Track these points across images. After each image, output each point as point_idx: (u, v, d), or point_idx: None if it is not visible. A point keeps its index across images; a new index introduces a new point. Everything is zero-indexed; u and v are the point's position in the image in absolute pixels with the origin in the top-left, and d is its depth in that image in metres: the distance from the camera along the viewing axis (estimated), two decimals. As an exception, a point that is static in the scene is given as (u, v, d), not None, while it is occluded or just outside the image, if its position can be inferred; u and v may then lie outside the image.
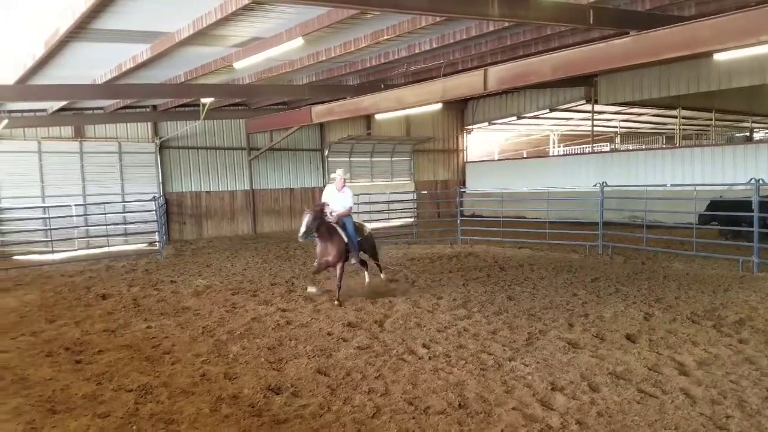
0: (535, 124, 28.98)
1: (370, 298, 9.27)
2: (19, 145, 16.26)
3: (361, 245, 9.77)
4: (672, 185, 14.84)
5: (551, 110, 23.81)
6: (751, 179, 10.98)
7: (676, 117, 24.91)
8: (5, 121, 14.46)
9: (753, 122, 31.04)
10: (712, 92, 19.78)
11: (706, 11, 9.78)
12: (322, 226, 9.10)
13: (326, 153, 22.37)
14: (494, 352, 6.40)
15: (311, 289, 9.11)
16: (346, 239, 9.30)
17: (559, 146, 35.02)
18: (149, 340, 7.21)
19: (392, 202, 19.81)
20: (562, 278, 10.66)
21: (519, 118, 25.10)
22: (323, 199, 9.65)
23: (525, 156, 34.07)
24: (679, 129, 26.41)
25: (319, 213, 9.08)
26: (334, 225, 9.30)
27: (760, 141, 26.65)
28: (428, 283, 10.48)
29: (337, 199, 9.59)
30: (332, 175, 10.21)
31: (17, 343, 7.21)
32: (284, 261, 13.74)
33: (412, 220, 19.47)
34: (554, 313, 8.06)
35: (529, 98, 23.92)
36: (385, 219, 19.98)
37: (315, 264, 9.54)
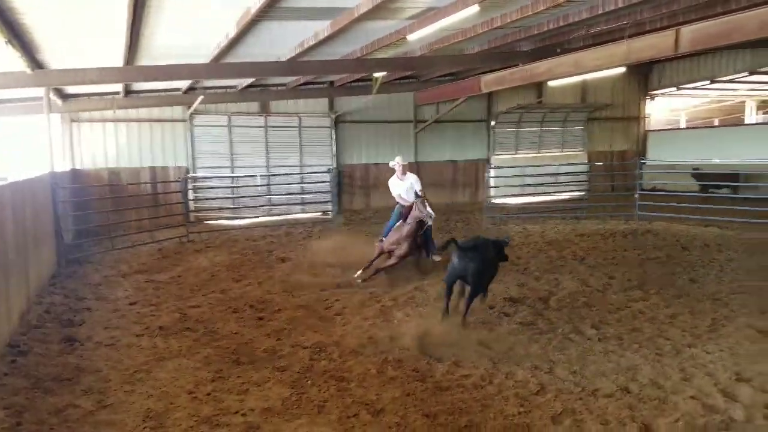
0: (731, 89, 25.56)
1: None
2: (211, 120, 18.01)
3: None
4: None
5: (751, 73, 20.87)
6: None
7: None
8: (201, 98, 16.05)
9: None
10: None
11: None
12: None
13: (493, 123, 21.96)
14: (672, 337, 5.98)
15: (360, 273, 8.98)
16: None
17: (757, 114, 30.70)
18: (322, 302, 7.79)
19: (561, 174, 18.95)
20: (756, 261, 9.48)
21: (712, 82, 22.38)
22: (393, 191, 9.66)
23: (716, 124, 30.48)
24: None
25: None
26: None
27: None
28: (599, 261, 9.95)
29: (404, 187, 9.54)
30: (391, 164, 10.07)
31: (208, 299, 8.13)
32: (445, 233, 13.88)
33: (582, 193, 18.48)
34: (744, 299, 7.29)
35: (725, 60, 21.17)
36: (552, 192, 19.20)
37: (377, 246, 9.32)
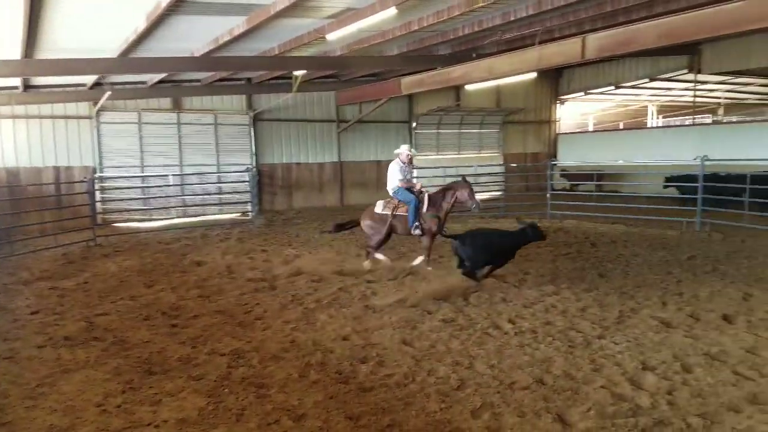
0: (633, 95, 27.36)
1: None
2: (120, 116, 17.17)
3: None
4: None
5: (651, 80, 22.43)
6: None
7: (786, 87, 22.89)
8: (108, 93, 15.27)
9: None
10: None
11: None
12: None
13: (414, 125, 22.29)
14: (583, 329, 6.26)
15: (418, 261, 9.57)
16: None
17: (657, 118, 32.99)
18: (241, 307, 7.57)
19: (480, 175, 19.49)
20: (657, 256, 10.16)
21: (616, 87, 23.83)
22: (399, 176, 9.78)
23: (621, 128, 32.43)
24: (790, 100, 24.25)
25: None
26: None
27: None
28: (515, 257, 10.28)
29: (404, 173, 9.88)
30: (396, 151, 10.27)
31: (117, 306, 7.72)
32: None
33: (499, 193, 19.11)
34: (647, 292, 7.75)
35: (627, 67, 22.62)
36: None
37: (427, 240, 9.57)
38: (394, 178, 9.89)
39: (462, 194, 9.42)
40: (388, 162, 21.59)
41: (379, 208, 9.95)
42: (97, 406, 4.67)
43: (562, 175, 21.24)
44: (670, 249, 10.75)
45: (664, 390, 4.69)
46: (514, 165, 21.66)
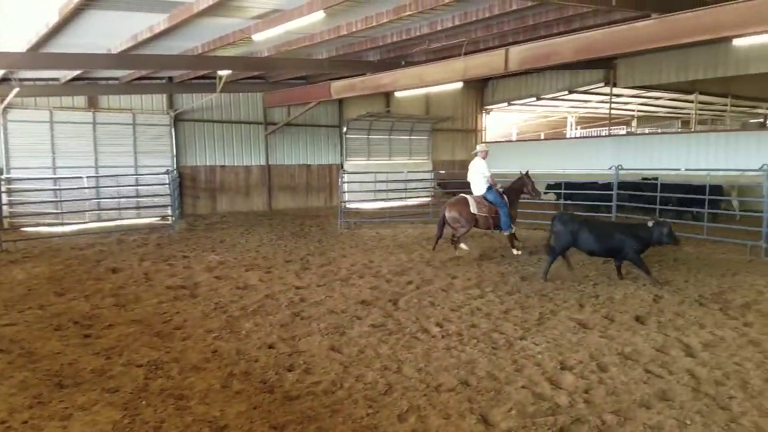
0: (554, 106, 28.65)
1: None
2: (30, 115, 16.16)
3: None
4: (686, 170, 14.70)
5: (570, 92, 23.55)
6: (763, 165, 10.90)
7: (692, 102, 24.68)
8: (16, 90, 14.37)
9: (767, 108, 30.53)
10: (728, 78, 19.57)
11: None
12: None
13: (344, 130, 22.28)
14: (506, 331, 6.43)
15: (463, 245, 10.97)
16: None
17: (576, 128, 34.64)
18: (160, 316, 7.26)
19: (410, 180, 19.75)
20: (575, 259, 10.57)
21: (538, 99, 24.84)
22: (486, 173, 10.91)
23: (542, 138, 33.78)
24: (696, 114, 26.14)
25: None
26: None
27: (774, 127, 26.20)
28: (443, 262, 10.47)
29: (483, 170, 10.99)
30: (474, 151, 11.42)
31: (25, 316, 7.23)
32: (299, 238, 13.79)
33: (429, 199, 19.40)
34: (565, 294, 8.08)
35: (548, 79, 23.65)
36: (403, 198, 19.96)
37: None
38: (480, 176, 10.94)
39: (527, 188, 11.05)
40: (318, 165, 21.64)
41: (473, 208, 10.83)
42: (1, 423, 4.33)
43: (438, 184, 20.88)
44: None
45: (581, 389, 4.87)
46: (443, 171, 22.08)
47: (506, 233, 10.93)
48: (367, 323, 6.76)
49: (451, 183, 19.96)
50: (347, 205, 17.21)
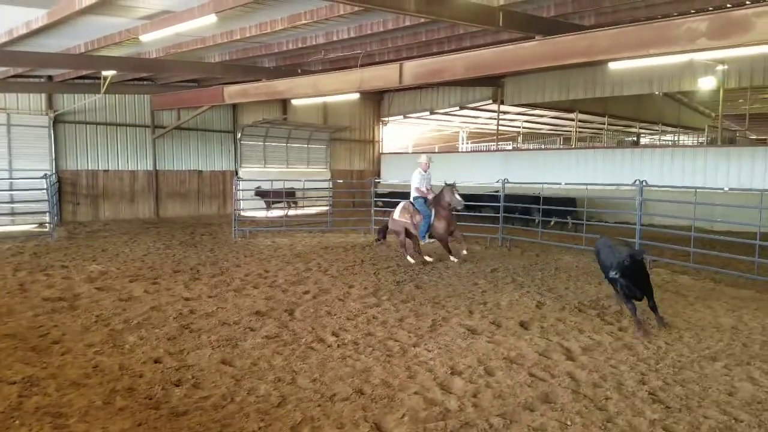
0: (447, 121, 29.74)
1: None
2: None
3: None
4: (567, 184, 15.82)
5: (461, 108, 24.51)
6: (635, 180, 11.81)
7: (573, 120, 26.61)
8: None
9: (640, 128, 33.52)
10: (605, 98, 21.54)
11: (603, 22, 10.42)
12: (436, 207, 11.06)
13: (239, 135, 21.76)
14: (400, 338, 6.55)
15: (429, 258, 11.20)
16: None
17: (467, 143, 36.18)
18: (36, 329, 6.72)
19: (308, 189, 19.62)
20: (466, 268, 11.03)
21: (432, 113, 25.65)
22: (415, 183, 11.43)
23: (436, 150, 34.88)
24: (576, 131, 28.22)
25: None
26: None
27: (645, 146, 28.84)
28: (341, 271, 10.50)
29: (423, 181, 11.52)
30: (419, 160, 11.80)
31: None
32: (189, 247, 13.26)
33: (327, 208, 19.41)
34: (456, 301, 8.35)
35: (441, 95, 24.49)
36: (301, 207, 19.83)
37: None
38: (413, 186, 11.48)
39: (447, 197, 11.05)
40: (211, 172, 21.18)
41: (397, 214, 11.49)
42: None
43: (257, 193, 19.26)
44: (476, 262, 11.74)
45: (470, 393, 5.05)
46: (341, 181, 22.17)
47: (421, 242, 11.48)
48: (261, 334, 6.64)
49: (271, 193, 19.32)
50: (242, 213, 16.79)
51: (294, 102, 20.29)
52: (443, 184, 11.32)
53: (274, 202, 19.91)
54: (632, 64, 10.23)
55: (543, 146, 35.00)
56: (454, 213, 11.34)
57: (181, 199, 20.61)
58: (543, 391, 5.11)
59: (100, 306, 7.82)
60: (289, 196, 19.53)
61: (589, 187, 14.37)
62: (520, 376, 5.43)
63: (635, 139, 34.74)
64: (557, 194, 17.06)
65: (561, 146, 35.07)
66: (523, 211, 17.16)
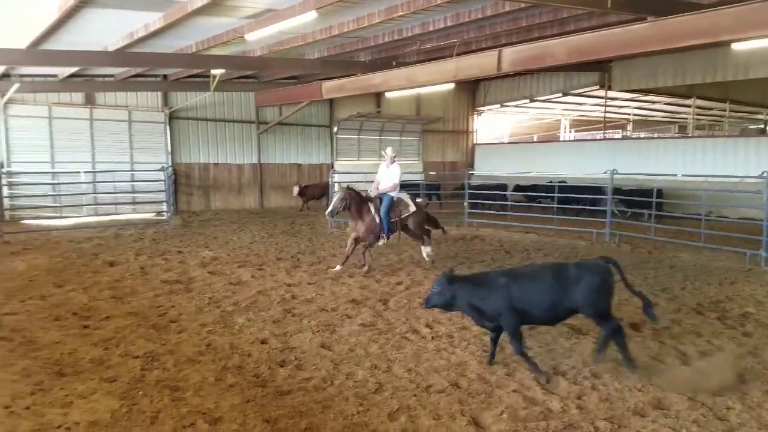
0: (547, 108, 28.65)
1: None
2: (29, 110, 16.32)
3: (405, 221, 10.13)
4: (683, 175, 14.74)
5: (564, 94, 23.54)
6: (763, 172, 10.84)
7: (689, 106, 24.62)
8: (16, 85, 14.46)
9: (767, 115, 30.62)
10: (727, 82, 19.48)
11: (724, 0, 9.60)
12: (352, 206, 9.54)
13: (335, 129, 22.29)
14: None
15: (338, 267, 9.60)
16: (378, 219, 9.67)
17: (570, 131, 34.70)
18: (156, 309, 7.31)
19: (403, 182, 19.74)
20: (568, 264, 10.63)
21: (531, 101, 24.84)
22: (377, 177, 10.24)
23: (535, 140, 33.78)
24: (693, 119, 26.06)
25: (348, 194, 9.48)
26: (369, 204, 9.72)
27: (774, 134, 26.27)
28: (434, 264, 10.49)
29: (386, 176, 10.15)
30: (383, 153, 10.63)
31: (26, 306, 7.31)
32: (290, 236, 13.81)
33: (419, 200, 19.41)
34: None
35: (542, 81, 23.65)
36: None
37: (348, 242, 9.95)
38: (387, 183, 10.20)
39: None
40: (309, 165, 21.57)
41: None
42: (5, 407, 4.39)
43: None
44: (582, 258, 11.25)
45: (574, 394, 4.84)
46: (433, 173, 22.10)
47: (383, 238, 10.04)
48: (357, 322, 6.80)
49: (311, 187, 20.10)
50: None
51: (388, 95, 20.43)
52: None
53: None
54: (759, 45, 9.27)
55: (655, 135, 32.80)
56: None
57: (283, 190, 21.44)
58: (655, 396, 4.79)
59: (212, 289, 8.35)
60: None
61: (708, 179, 13.29)
62: (629, 381, 5.10)
63: (763, 127, 31.82)
64: (640, 185, 16.13)
65: (676, 134, 32.73)
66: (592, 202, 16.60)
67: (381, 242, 9.99)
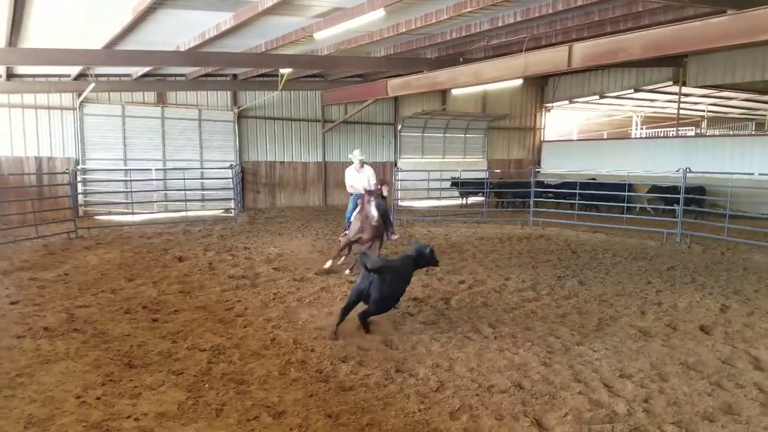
0: (618, 105, 27.65)
1: None
2: (104, 109, 17.04)
3: None
4: (760, 174, 13.93)
5: (636, 90, 22.62)
6: None
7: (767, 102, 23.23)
8: (92, 85, 15.12)
9: None
10: (808, 77, 18.28)
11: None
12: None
13: (399, 127, 22.32)
14: (562, 335, 6.30)
15: (329, 263, 9.40)
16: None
17: (641, 128, 33.39)
18: (222, 303, 7.54)
19: (466, 180, 19.58)
20: (637, 265, 10.28)
21: (601, 97, 24.02)
22: (348, 181, 10.11)
23: (605, 137, 32.72)
24: (772, 115, 24.59)
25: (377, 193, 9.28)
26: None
27: None
28: (497, 263, 10.36)
29: (360, 179, 10.00)
30: (350, 156, 10.46)
31: (98, 299, 7.66)
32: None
33: (482, 198, 19.23)
34: (626, 300, 7.83)
35: (613, 77, 22.86)
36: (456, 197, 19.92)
37: (342, 240, 9.72)
38: (359, 185, 9.95)
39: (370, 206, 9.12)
40: (373, 163, 21.80)
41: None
42: (77, 397, 4.62)
43: (453, 184, 19.91)
44: (650, 259, 10.88)
45: (640, 398, 4.73)
46: (498, 171, 21.76)
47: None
48: (419, 320, 6.79)
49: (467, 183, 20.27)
50: (400, 203, 17.24)
51: (453, 92, 20.26)
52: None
53: (469, 193, 20.44)
54: None
55: (731, 132, 31.13)
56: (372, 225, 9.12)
57: (346, 189, 21.64)
58: (725, 401, 4.67)
59: (277, 285, 8.54)
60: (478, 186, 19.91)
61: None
62: (699, 384, 4.99)
63: None
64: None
65: (753, 132, 30.95)
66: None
67: (394, 237, 9.80)
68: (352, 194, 10.23)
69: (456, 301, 7.65)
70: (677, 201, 14.31)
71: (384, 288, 6.08)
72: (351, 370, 5.24)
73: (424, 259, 6.81)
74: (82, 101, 16.44)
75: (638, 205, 18.11)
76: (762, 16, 7.53)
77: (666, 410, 4.51)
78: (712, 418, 4.39)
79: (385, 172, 21.91)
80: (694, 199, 14.65)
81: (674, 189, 15.36)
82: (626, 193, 15.42)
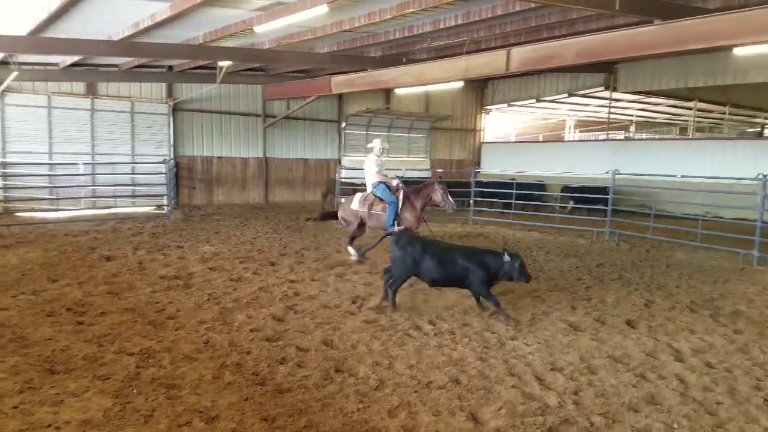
0: (553, 109, 28.63)
1: None
2: (27, 99, 16.18)
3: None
4: (682, 176, 14.81)
5: (570, 95, 23.53)
6: (758, 174, 10.95)
7: (691, 109, 24.68)
8: (15, 74, 14.33)
9: (765, 118, 30.72)
10: (727, 86, 19.67)
11: (730, 5, 9.58)
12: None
13: (343, 125, 22.25)
14: (498, 331, 6.45)
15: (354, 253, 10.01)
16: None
17: (574, 132, 34.69)
18: (153, 305, 7.25)
19: (407, 179, 19.67)
20: (568, 262, 10.65)
21: (538, 101, 24.83)
22: (375, 169, 10.25)
23: (541, 140, 33.77)
24: (694, 121, 26.14)
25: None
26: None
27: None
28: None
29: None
30: (369, 145, 10.79)
31: (17, 301, 7.20)
32: (294, 232, 13.77)
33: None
34: (558, 296, 8.10)
35: (549, 81, 23.66)
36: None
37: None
38: (371, 172, 10.23)
39: (436, 195, 9.96)
40: (316, 160, 21.57)
41: (355, 204, 10.30)
42: (-9, 407, 4.33)
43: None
44: (580, 257, 11.29)
45: (570, 390, 4.91)
46: (440, 170, 22.06)
47: (387, 228, 9.82)
48: (360, 319, 6.77)
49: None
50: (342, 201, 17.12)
51: (397, 91, 20.41)
52: (435, 180, 10.31)
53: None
54: (759, 50, 9.30)
55: (657, 136, 32.84)
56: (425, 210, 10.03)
57: (288, 185, 21.44)
58: (649, 392, 4.92)
59: (212, 285, 8.30)
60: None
61: (706, 180, 13.37)
62: (624, 376, 5.24)
63: (760, 130, 31.80)
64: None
65: (677, 136, 32.75)
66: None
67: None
68: (379, 184, 10.16)
69: (397, 299, 7.67)
70: (587, 201, 15.27)
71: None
72: (289, 371, 5.16)
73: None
74: (3, 90, 15.53)
75: (551, 204, 19.49)
76: (687, 27, 7.98)
77: (594, 402, 4.69)
78: (637, 409, 4.59)
79: (329, 170, 21.84)
80: (601, 199, 14.99)
81: (582, 189, 17.36)
82: (538, 192, 16.57)
